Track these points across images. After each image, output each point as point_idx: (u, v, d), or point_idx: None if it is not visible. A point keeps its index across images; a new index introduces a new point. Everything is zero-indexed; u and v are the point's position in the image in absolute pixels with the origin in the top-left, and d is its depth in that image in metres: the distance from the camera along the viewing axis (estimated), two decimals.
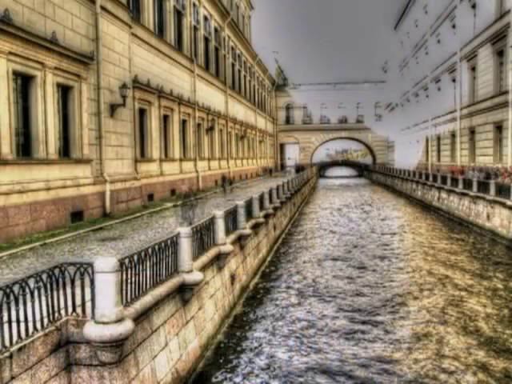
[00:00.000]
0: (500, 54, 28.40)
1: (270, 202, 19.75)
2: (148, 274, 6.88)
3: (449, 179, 29.55)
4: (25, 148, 12.16)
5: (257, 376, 8.44)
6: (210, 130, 31.24)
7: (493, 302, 12.36)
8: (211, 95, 32.40)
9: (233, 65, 40.97)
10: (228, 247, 11.13)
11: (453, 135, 38.01)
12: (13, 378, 4.77)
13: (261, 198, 17.49)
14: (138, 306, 6.32)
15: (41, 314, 5.27)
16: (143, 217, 16.44)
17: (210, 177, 31.07)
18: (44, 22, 12.52)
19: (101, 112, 15.41)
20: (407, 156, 56.22)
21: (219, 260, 10.92)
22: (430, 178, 34.88)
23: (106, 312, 5.49)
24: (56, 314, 5.56)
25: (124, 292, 6.01)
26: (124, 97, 16.59)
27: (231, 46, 39.73)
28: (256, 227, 15.86)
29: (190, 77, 27.60)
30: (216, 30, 34.81)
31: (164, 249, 7.53)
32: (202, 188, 28.12)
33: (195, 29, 29.40)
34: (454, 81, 38.01)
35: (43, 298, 5.32)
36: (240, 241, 13.43)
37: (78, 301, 5.81)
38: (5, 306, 4.74)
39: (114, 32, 16.68)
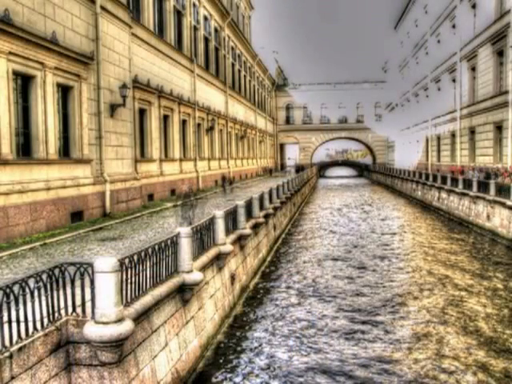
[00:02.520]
0: (500, 54, 28.41)
1: (270, 202, 19.75)
2: (148, 274, 6.88)
3: (449, 179, 29.55)
4: (25, 148, 12.15)
5: (257, 376, 8.44)
6: (210, 130, 31.24)
7: (493, 302, 12.36)
8: (211, 95, 32.40)
9: (233, 65, 40.96)
10: (228, 247, 11.12)
11: (453, 135, 38.02)
12: (13, 377, 4.77)
13: (261, 198, 17.49)
14: (138, 306, 6.32)
15: (41, 313, 5.26)
16: (143, 217, 16.45)
17: (210, 177, 31.07)
18: (44, 22, 12.52)
19: (101, 112, 15.42)
20: (407, 156, 56.24)
21: (219, 260, 10.92)
22: (430, 178, 34.88)
23: (106, 312, 5.49)
24: (56, 314, 5.55)
25: (124, 292, 6.01)
26: (124, 97, 16.60)
27: (231, 46, 39.73)
28: (256, 227, 15.85)
29: (190, 77, 27.60)
30: (216, 30, 34.81)
31: (164, 249, 7.54)
32: (202, 188, 28.13)
33: (195, 29, 29.40)
34: (454, 81, 38.02)
35: (43, 297, 5.32)
36: (240, 241, 13.43)
37: (78, 301, 5.80)
38: (5, 306, 4.74)
39: (114, 32, 16.68)
